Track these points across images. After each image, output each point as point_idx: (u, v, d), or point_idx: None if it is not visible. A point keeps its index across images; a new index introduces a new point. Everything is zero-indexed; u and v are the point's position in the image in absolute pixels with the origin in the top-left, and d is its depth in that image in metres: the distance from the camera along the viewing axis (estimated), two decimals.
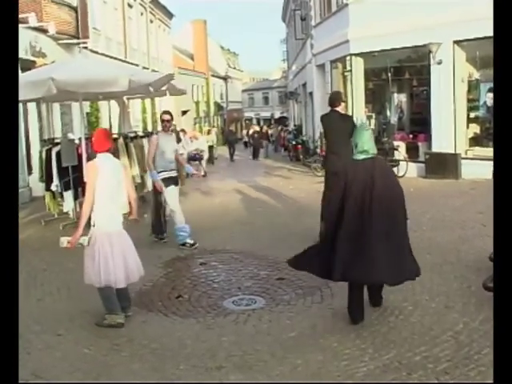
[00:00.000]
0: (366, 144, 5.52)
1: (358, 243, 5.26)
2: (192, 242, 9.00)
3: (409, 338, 5.10)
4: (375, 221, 5.27)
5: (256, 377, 4.56)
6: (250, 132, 38.69)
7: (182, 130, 24.60)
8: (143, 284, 7.00)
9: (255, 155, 34.74)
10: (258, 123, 61.47)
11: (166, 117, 9.22)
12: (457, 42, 15.47)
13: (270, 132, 46.29)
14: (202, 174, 21.79)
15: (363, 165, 5.50)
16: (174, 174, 9.22)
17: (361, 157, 5.55)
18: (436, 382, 4.31)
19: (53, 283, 7.30)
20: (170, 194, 9.08)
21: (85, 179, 5.82)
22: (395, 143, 18.05)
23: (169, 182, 9.07)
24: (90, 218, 5.67)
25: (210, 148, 31.14)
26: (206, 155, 23.47)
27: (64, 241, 5.75)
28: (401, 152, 17.51)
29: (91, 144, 6.57)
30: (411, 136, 18.06)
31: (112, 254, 5.61)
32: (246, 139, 43.57)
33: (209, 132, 33.25)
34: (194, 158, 21.57)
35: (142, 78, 9.94)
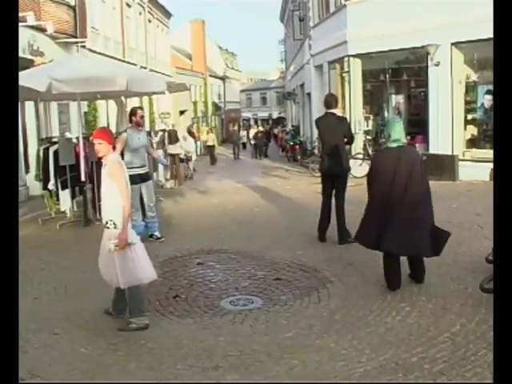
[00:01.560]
0: (397, 134, 6.37)
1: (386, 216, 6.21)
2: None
3: (406, 338, 5.11)
4: (394, 197, 6.17)
5: (253, 377, 4.56)
6: (252, 132, 38.63)
7: (190, 132, 24.57)
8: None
9: (259, 154, 35.00)
10: (256, 123, 61.45)
11: (142, 112, 9.35)
12: (455, 44, 15.46)
13: (275, 131, 46.44)
14: (189, 175, 21.65)
15: (397, 151, 6.32)
16: (141, 170, 9.20)
17: (394, 145, 6.37)
18: (432, 382, 4.32)
19: (50, 282, 7.28)
20: (131, 191, 9.10)
21: (111, 177, 5.61)
22: None
23: (134, 179, 8.85)
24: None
25: (211, 148, 31.09)
26: (194, 156, 23.24)
27: (112, 246, 5.43)
28: None
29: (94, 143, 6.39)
30: (408, 137, 17.98)
31: (142, 250, 5.67)
32: (244, 140, 43.53)
33: (208, 132, 33.23)
34: (181, 159, 21.36)
35: (141, 84, 9.85)
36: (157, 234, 9.56)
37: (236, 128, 46.07)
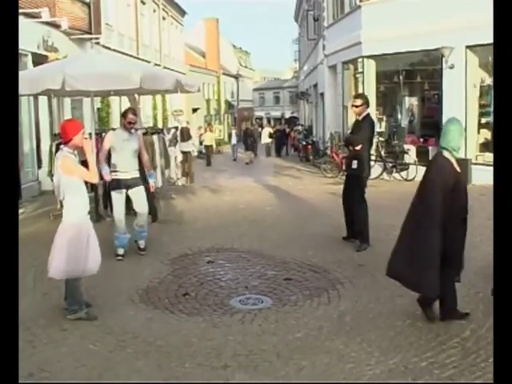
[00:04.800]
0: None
1: None
2: (121, 253, 8.20)
3: (415, 343, 5.08)
4: (406, 218, 5.55)
5: (261, 377, 4.54)
6: (266, 132, 38.40)
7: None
8: (150, 281, 7.02)
9: (277, 151, 35.12)
10: (269, 123, 61.40)
11: (134, 118, 8.28)
12: (469, 47, 15.39)
13: (287, 130, 46.32)
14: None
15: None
16: (126, 176, 8.16)
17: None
18: (440, 382, 4.30)
19: None
20: (113, 199, 8.32)
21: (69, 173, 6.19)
22: (405, 146, 18.01)
23: (117, 184, 8.19)
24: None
25: (208, 148, 29.94)
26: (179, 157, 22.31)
27: None
28: (411, 155, 17.47)
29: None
30: (422, 140, 17.97)
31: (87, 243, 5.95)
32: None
33: (206, 130, 32.25)
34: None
35: (154, 81, 9.82)
36: (141, 242, 8.53)
37: (256, 127, 45.94)
